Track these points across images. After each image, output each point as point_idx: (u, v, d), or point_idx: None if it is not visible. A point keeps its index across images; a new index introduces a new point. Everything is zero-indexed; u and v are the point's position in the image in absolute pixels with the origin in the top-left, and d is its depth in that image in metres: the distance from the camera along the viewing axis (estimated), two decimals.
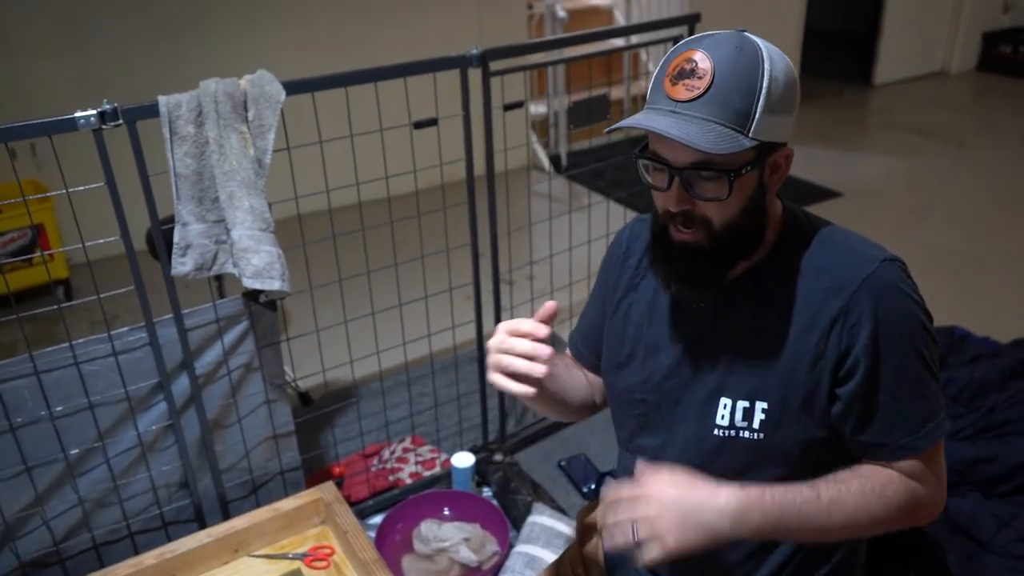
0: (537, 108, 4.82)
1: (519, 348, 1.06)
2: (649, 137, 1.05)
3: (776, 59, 1.01)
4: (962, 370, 2.28)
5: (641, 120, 1.01)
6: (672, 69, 1.01)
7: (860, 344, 1.05)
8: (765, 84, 0.99)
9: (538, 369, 1.06)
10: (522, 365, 1.06)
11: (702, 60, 0.99)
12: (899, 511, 1.08)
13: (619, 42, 4.27)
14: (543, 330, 1.07)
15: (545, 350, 1.06)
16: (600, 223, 2.65)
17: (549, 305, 1.09)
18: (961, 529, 1.84)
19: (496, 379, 1.08)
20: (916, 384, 1.06)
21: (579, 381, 1.36)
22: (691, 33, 2.37)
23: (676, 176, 1.03)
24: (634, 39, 3.58)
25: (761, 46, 1.01)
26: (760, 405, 1.10)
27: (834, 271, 1.07)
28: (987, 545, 1.82)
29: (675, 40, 2.39)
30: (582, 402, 1.36)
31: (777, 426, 1.10)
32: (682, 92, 0.99)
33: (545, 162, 4.59)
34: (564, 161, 4.66)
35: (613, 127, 1.04)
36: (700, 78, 0.98)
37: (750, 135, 0.99)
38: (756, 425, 1.11)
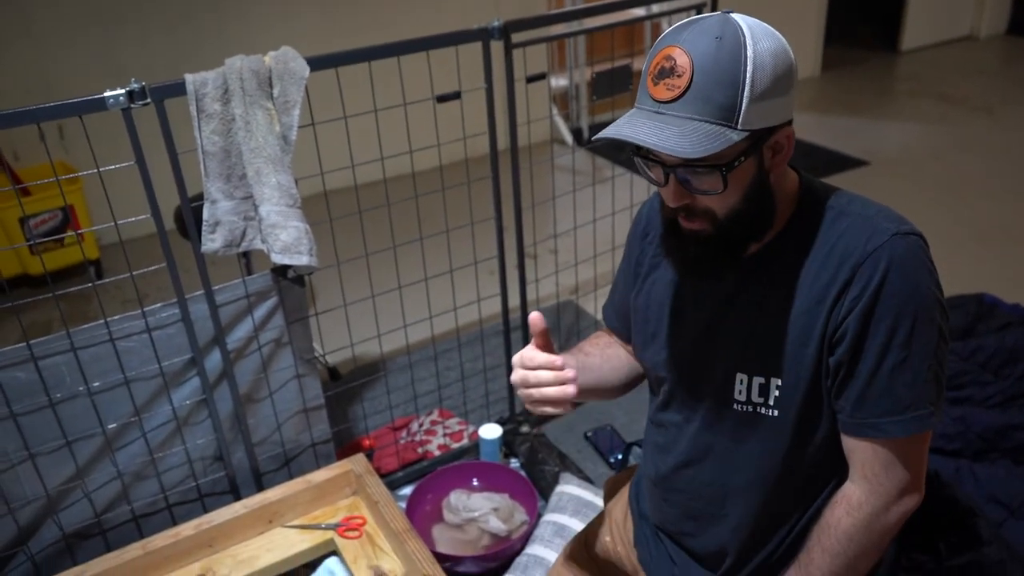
0: (557, 81, 4.78)
1: (544, 379, 1.11)
2: None
3: (762, 42, 0.96)
4: (991, 337, 2.26)
5: (624, 128, 0.98)
6: (653, 68, 0.98)
7: (853, 313, 1.02)
8: (749, 73, 0.94)
9: (569, 391, 1.09)
10: (553, 392, 1.10)
11: (680, 56, 0.95)
12: (881, 544, 1.10)
13: (640, 12, 4.22)
14: (557, 361, 1.11)
15: (568, 373, 1.10)
16: (623, 195, 2.64)
17: (534, 321, 1.13)
18: (992, 496, 1.84)
19: (535, 410, 1.14)
20: (902, 367, 1.03)
21: (618, 361, 1.37)
22: (714, 3, 2.34)
23: (671, 173, 1.02)
24: (655, 8, 3.54)
25: (745, 30, 0.96)
26: (775, 382, 1.10)
27: (845, 245, 1.04)
28: (1017, 512, 1.82)
29: (697, 8, 2.36)
30: (627, 378, 1.38)
31: (791, 403, 1.10)
32: (663, 92, 0.97)
33: (567, 135, 4.57)
34: (586, 134, 4.64)
35: (597, 136, 1.01)
36: (679, 76, 0.95)
37: (739, 127, 0.95)
38: (772, 402, 1.11)
